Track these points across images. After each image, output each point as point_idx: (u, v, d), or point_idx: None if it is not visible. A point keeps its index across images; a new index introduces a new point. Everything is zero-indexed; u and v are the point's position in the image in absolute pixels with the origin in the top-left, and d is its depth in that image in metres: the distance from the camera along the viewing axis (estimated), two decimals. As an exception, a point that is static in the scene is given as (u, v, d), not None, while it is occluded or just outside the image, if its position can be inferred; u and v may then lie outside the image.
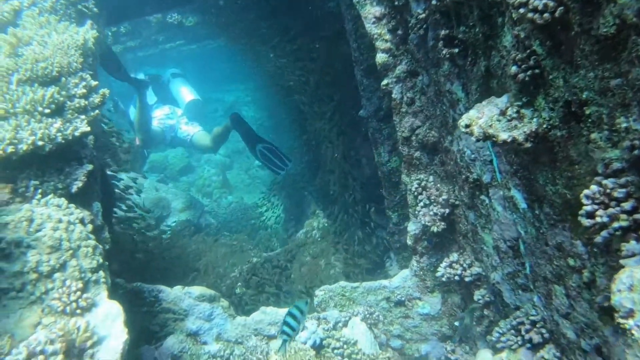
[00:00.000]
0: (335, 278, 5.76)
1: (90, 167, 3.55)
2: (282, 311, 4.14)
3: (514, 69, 2.09)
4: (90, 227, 3.07)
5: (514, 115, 2.16)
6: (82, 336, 2.43)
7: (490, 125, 2.21)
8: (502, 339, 3.10)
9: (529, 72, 2.02)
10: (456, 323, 4.21)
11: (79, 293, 2.60)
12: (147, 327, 4.17)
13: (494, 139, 2.16)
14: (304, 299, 3.60)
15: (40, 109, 3.29)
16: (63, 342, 2.27)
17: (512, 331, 3.03)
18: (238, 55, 9.67)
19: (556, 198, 2.26)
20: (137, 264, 4.97)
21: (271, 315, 4.12)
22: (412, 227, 4.20)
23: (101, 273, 2.83)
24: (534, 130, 2.06)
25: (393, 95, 3.93)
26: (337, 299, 4.42)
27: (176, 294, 4.14)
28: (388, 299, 4.43)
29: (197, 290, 4.13)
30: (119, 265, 4.41)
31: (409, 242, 4.25)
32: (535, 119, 2.10)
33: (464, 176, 3.36)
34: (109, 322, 2.64)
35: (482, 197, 3.27)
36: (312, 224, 6.18)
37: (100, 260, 2.87)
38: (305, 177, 8.52)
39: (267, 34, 6.75)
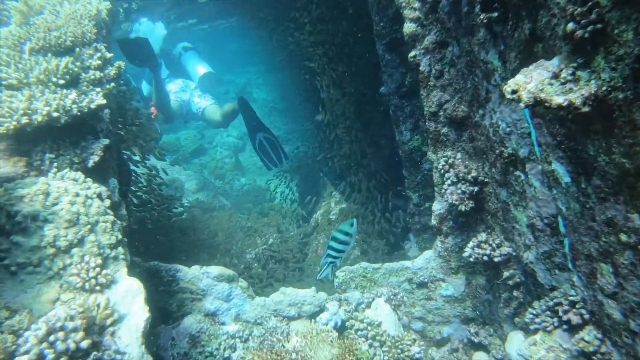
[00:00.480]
0: (353, 260, 5.63)
1: (106, 141, 3.41)
2: (303, 292, 4.01)
3: (570, 25, 1.88)
4: (108, 202, 2.94)
5: (569, 77, 1.96)
6: (102, 313, 2.31)
7: (542, 90, 2.01)
8: (537, 320, 2.94)
9: (589, 28, 1.82)
10: None
11: (98, 269, 2.47)
12: (164, 306, 4.07)
13: (546, 104, 1.97)
14: (349, 220, 3.30)
15: (54, 79, 3.14)
16: (83, 318, 2.15)
17: (548, 312, 2.87)
18: (251, 34, 9.46)
19: (610, 169, 2.07)
20: (156, 243, 4.86)
21: (291, 296, 3.99)
22: (437, 207, 4.02)
23: (120, 249, 2.70)
24: (593, 92, 1.87)
25: (421, 68, 3.73)
26: (358, 280, 4.28)
27: (194, 274, 4.02)
28: (410, 281, 4.28)
29: (215, 270, 4.01)
30: (135, 245, 4.31)
31: (433, 221, 4.08)
32: (593, 81, 1.90)
33: (497, 151, 3.17)
34: (129, 299, 2.51)
35: (517, 173, 3.08)
36: (329, 205, 6.02)
37: (119, 236, 2.74)
38: (320, 159, 8.36)
39: (285, 9, 6.53)
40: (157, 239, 5.04)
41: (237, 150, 11.14)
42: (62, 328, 2.04)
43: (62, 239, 2.50)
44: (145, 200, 5.10)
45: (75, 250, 2.52)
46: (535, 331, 2.97)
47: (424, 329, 4.35)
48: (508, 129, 3.02)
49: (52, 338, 1.98)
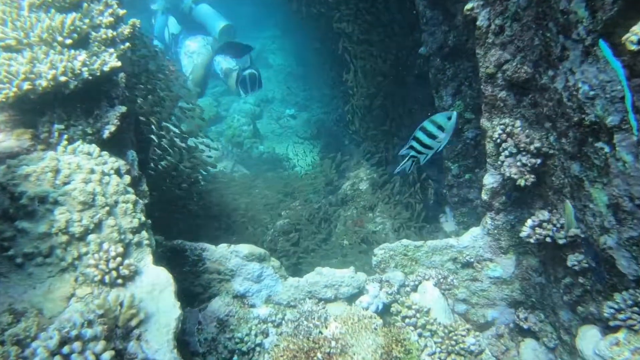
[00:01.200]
0: (386, 234, 5.23)
1: (123, 109, 2.97)
2: (340, 272, 3.63)
3: None
4: (127, 178, 2.52)
5: None
6: (126, 313, 1.94)
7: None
8: (620, 316, 2.52)
9: None
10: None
11: (119, 259, 2.08)
12: (189, 287, 3.73)
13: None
14: (447, 112, 2.69)
15: (60, 38, 2.67)
16: (104, 323, 1.77)
17: (636, 308, 2.44)
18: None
19: None
20: (177, 218, 4.48)
21: (327, 276, 3.61)
22: (489, 180, 3.55)
23: (144, 233, 2.30)
24: None
25: (478, 23, 3.19)
26: (399, 259, 3.87)
27: (222, 253, 3.64)
28: (455, 260, 3.86)
29: (245, 248, 3.62)
30: (156, 220, 3.92)
31: (484, 196, 3.62)
32: None
33: (576, 118, 2.67)
34: (157, 293, 2.14)
35: (599, 144, 2.59)
36: (357, 175, 5.57)
37: (143, 218, 2.33)
38: (343, 125, 7.85)
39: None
40: (179, 213, 4.65)
41: (254, 118, 10.63)
42: (78, 337, 1.67)
43: (76, 224, 2.10)
44: (166, 169, 4.66)
45: (92, 237, 2.13)
46: (616, 328, 2.55)
47: (466, 312, 3.96)
48: (592, 93, 2.51)
49: (66, 350, 1.62)
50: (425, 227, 5.63)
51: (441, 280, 3.55)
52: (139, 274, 2.17)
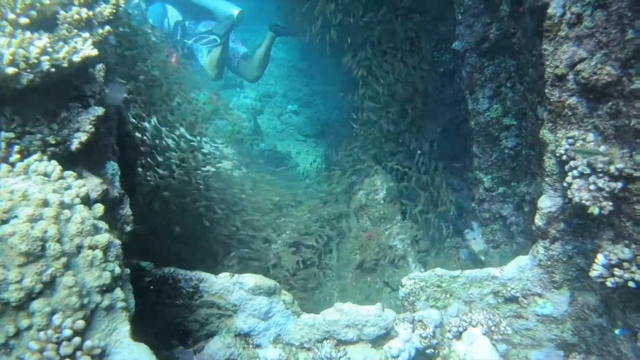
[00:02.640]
0: (404, 251, 4.55)
1: (100, 110, 2.24)
2: (365, 310, 2.95)
3: None
4: (99, 209, 1.81)
5: None
6: None
7: None
8: None
9: None
10: None
11: (77, 339, 1.38)
12: (183, 322, 3.03)
13: None
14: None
15: (11, 16, 1.94)
16: None
17: None
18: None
19: None
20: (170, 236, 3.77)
21: (349, 314, 2.93)
22: (546, 203, 2.87)
23: (118, 292, 1.60)
24: None
25: (549, 11, 2.48)
26: (431, 291, 3.20)
27: (223, 284, 2.95)
28: (497, 294, 3.20)
29: (251, 280, 2.93)
30: (144, 241, 3.22)
31: (538, 222, 2.94)
32: None
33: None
34: (132, 384, 1.44)
35: None
36: (373, 183, 4.87)
37: (117, 270, 1.63)
38: (351, 125, 7.13)
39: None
40: (173, 225, 3.92)
41: (255, 113, 9.88)
42: None
43: (13, 287, 1.40)
44: (161, 177, 3.94)
45: (37, 304, 1.42)
46: None
47: (507, 352, 3.30)
48: None
49: None
50: (447, 240, 4.98)
51: (492, 328, 2.87)
52: (107, 357, 1.48)
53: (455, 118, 4.81)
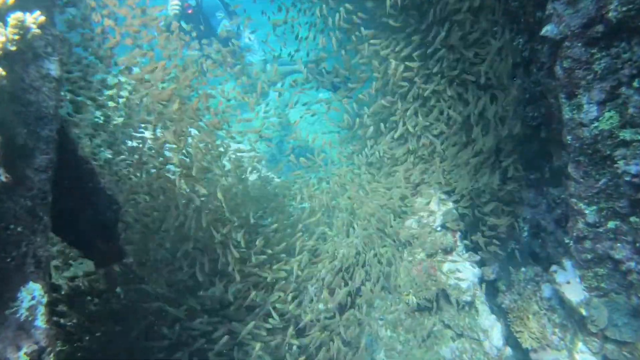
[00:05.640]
0: (472, 295, 3.46)
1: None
2: None
3: None
4: None
5: None
6: None
7: None
8: None
9: None
10: None
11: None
12: None
13: None
14: None
15: None
16: None
17: None
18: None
19: None
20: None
21: None
22: None
23: None
24: None
25: None
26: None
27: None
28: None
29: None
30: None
31: None
32: None
33: None
34: None
35: None
36: (427, 208, 3.75)
37: None
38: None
39: None
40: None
41: (283, 104, 8.78)
42: None
43: None
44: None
45: None
46: None
47: None
48: None
49: None
50: (520, 269, 3.86)
51: None
52: None
53: (531, 119, 3.58)
